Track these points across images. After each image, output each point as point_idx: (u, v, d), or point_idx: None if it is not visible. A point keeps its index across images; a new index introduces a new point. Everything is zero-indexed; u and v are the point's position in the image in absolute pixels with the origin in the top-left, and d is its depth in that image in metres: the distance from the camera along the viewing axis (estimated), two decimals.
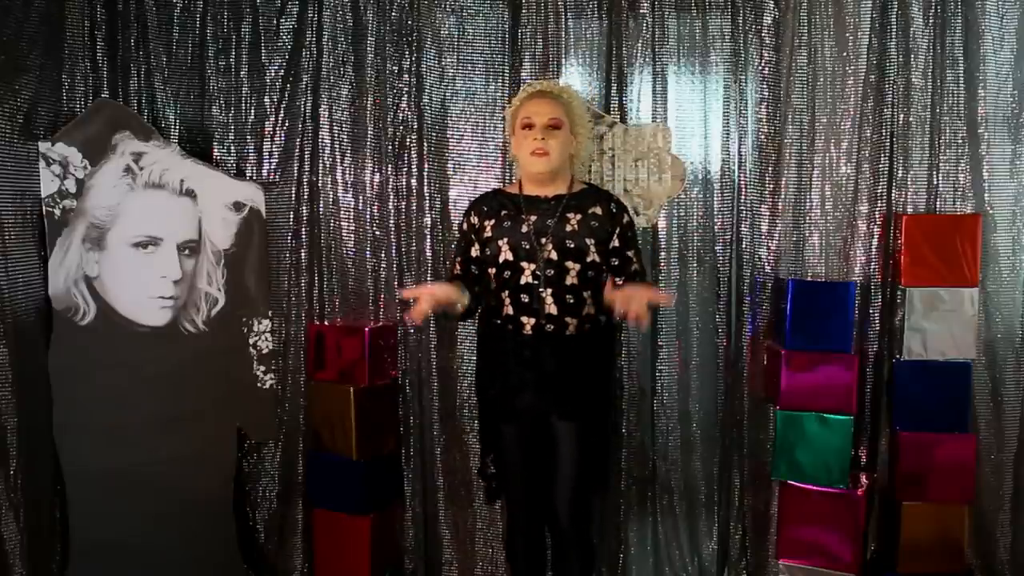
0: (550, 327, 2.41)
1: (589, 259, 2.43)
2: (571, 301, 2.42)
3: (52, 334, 2.85)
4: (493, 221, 2.49)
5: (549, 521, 2.58)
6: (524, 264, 2.43)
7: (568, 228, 2.44)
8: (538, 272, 2.41)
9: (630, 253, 2.51)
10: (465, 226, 2.57)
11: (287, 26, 3.07)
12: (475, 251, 2.54)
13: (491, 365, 2.55)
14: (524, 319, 2.43)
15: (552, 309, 2.41)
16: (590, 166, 2.99)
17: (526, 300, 2.42)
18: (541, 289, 2.41)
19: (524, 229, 2.45)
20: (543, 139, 2.42)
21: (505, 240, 2.44)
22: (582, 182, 2.61)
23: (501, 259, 2.45)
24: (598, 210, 2.48)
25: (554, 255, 2.42)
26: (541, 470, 2.51)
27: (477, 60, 3.05)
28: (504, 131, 2.92)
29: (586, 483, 2.54)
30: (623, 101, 3.02)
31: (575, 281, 2.42)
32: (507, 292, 2.44)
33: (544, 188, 2.49)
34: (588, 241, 2.44)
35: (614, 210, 2.51)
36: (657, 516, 3.16)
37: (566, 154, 2.50)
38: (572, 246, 2.43)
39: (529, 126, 2.44)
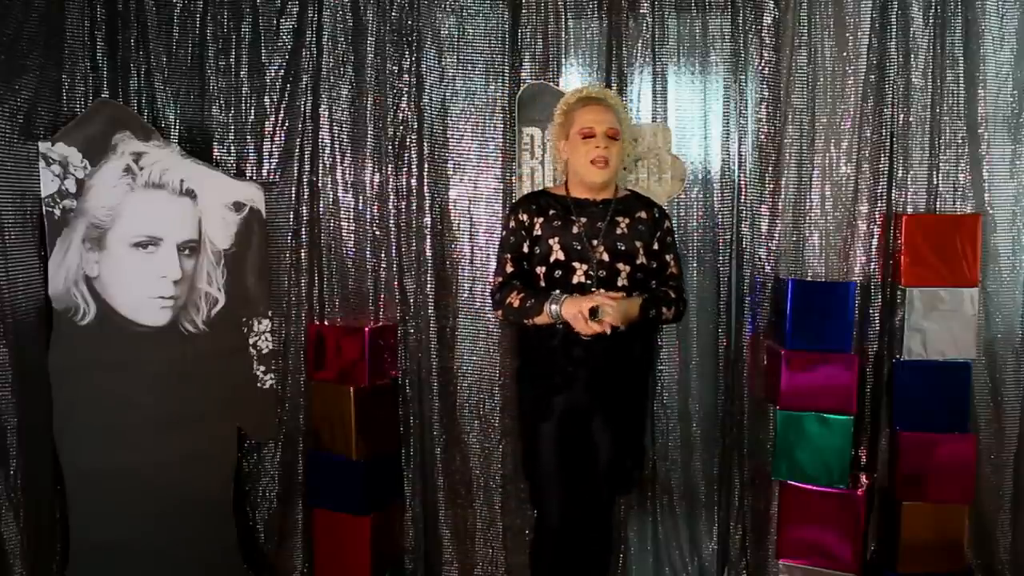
0: None
1: (638, 261, 2.48)
2: None
3: (52, 334, 2.84)
4: (542, 219, 2.50)
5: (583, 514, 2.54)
6: (576, 264, 2.44)
7: (618, 231, 2.48)
8: (591, 272, 2.43)
9: (668, 257, 2.58)
10: (513, 223, 2.53)
11: (287, 26, 3.07)
12: (526, 248, 2.52)
13: (539, 364, 2.51)
14: None
15: None
16: None
17: None
18: (594, 289, 2.41)
19: (575, 230, 2.47)
20: (605, 148, 2.44)
21: (556, 240, 2.46)
22: (625, 189, 2.66)
23: (552, 258, 2.46)
24: (643, 215, 2.54)
25: (606, 256, 2.45)
26: (579, 469, 2.48)
27: (477, 60, 3.05)
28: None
29: (622, 477, 2.58)
30: (623, 101, 3.01)
31: (626, 282, 2.45)
32: (559, 291, 2.43)
33: (594, 193, 2.52)
34: (637, 244, 2.49)
35: (657, 215, 2.58)
36: (657, 516, 3.16)
37: (621, 163, 2.56)
38: (623, 249, 2.46)
39: (590, 135, 2.45)
